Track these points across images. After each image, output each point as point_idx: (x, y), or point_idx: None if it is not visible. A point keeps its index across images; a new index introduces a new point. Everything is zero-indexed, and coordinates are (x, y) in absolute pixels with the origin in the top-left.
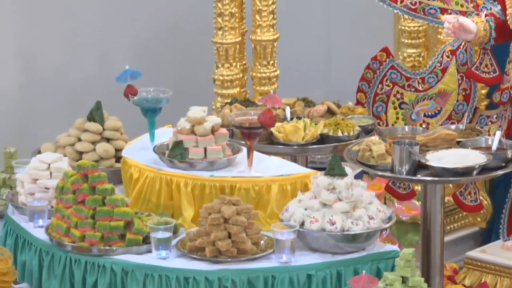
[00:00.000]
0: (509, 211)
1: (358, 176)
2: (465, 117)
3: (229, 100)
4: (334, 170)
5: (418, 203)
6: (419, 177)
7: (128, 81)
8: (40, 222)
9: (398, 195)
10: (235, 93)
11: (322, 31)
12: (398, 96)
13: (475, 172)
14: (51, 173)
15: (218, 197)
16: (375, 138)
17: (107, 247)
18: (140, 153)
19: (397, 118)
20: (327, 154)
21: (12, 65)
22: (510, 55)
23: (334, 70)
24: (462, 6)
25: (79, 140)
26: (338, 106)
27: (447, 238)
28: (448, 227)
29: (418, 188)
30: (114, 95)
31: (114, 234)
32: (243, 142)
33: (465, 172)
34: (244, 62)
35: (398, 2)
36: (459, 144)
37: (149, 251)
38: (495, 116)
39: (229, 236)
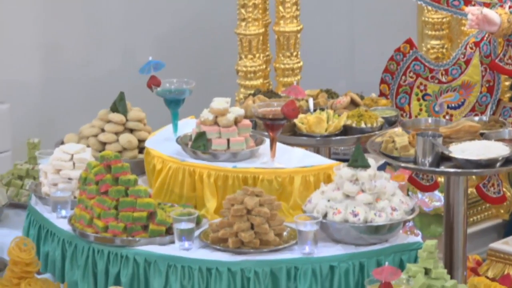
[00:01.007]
0: None
1: (381, 168)
2: (488, 109)
3: (252, 91)
4: (357, 161)
5: (441, 195)
6: (442, 168)
7: (151, 72)
8: (63, 212)
9: (421, 186)
10: (258, 84)
11: (346, 22)
12: (422, 87)
13: (498, 164)
14: (74, 164)
15: (241, 188)
16: (398, 129)
17: (130, 238)
18: (163, 144)
19: (421, 110)
20: (350, 146)
21: (36, 58)
22: None
23: (358, 62)
24: None
25: (102, 131)
26: (362, 97)
27: (470, 230)
28: (471, 219)
29: (441, 179)
30: (138, 86)
31: (137, 225)
32: (266, 133)
33: (489, 164)
34: (267, 53)
35: None
36: (483, 136)
37: (172, 242)
38: None
39: (252, 227)
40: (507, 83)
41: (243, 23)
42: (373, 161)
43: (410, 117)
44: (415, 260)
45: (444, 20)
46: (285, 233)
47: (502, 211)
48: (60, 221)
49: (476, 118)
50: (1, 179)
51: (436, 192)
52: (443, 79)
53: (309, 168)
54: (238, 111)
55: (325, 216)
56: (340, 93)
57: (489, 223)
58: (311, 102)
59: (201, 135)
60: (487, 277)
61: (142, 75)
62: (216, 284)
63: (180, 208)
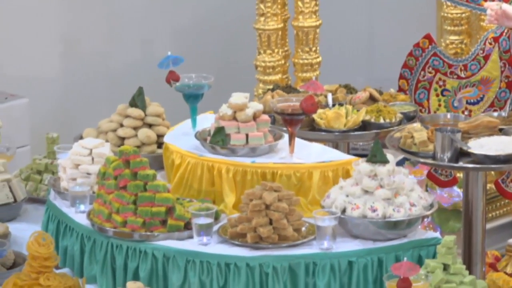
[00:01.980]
0: None
1: (399, 163)
2: (507, 104)
3: (271, 87)
4: (376, 157)
5: (460, 190)
6: (461, 164)
7: (170, 67)
8: (82, 207)
9: (440, 182)
10: (277, 80)
11: (365, 17)
12: (441, 83)
13: None
14: (93, 159)
15: (260, 184)
16: (417, 125)
17: (148, 233)
18: (181, 139)
19: (439, 105)
20: (368, 141)
21: (55, 51)
22: None
23: (376, 57)
24: None
25: (121, 125)
26: (380, 93)
27: (489, 226)
28: (490, 215)
29: (460, 175)
30: (156, 81)
31: (155, 220)
32: (284, 128)
33: (507, 159)
34: (286, 48)
35: None
36: (501, 132)
37: (191, 237)
38: None
39: (271, 222)
40: None
41: (262, 18)
42: (391, 156)
43: (429, 112)
44: (434, 256)
45: (463, 15)
46: (303, 228)
47: None
48: (78, 215)
49: (495, 114)
50: (20, 173)
51: (455, 188)
52: (462, 75)
53: (327, 163)
54: (256, 106)
55: (343, 211)
56: (358, 88)
57: (508, 218)
58: (329, 97)
59: (219, 130)
60: (506, 273)
61: (161, 69)
62: (234, 279)
63: (198, 203)
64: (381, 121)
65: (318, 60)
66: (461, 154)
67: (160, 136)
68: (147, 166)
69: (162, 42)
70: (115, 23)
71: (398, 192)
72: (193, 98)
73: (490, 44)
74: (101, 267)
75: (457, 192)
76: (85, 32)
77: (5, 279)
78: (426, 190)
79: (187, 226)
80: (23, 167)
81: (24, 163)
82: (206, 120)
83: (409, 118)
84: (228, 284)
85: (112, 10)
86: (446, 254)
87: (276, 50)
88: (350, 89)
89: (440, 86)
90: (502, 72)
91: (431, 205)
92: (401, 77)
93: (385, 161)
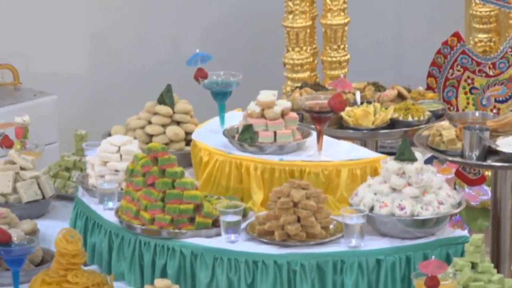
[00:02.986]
0: None
1: (428, 161)
2: None
3: (299, 84)
4: (404, 155)
5: (488, 189)
6: (489, 162)
7: (198, 65)
8: (110, 204)
9: (468, 180)
10: (305, 77)
11: (393, 15)
12: (469, 81)
13: None
14: (121, 156)
15: (288, 181)
16: (445, 123)
17: (176, 230)
18: (210, 136)
19: (468, 103)
20: (397, 139)
21: (84, 48)
22: None
23: (405, 55)
24: None
25: (149, 123)
26: (409, 90)
27: None
28: None
29: (488, 173)
30: (185, 78)
31: (183, 217)
32: (313, 126)
33: None
34: (314, 46)
35: None
36: None
37: (218, 234)
38: None
39: (298, 220)
40: None
41: (290, 16)
42: (420, 154)
43: (457, 110)
44: (462, 254)
45: (492, 13)
46: (331, 226)
47: None
48: (106, 213)
49: None
50: (48, 170)
51: (483, 186)
52: (491, 73)
53: (355, 161)
54: (285, 103)
55: (371, 209)
56: (387, 86)
57: None
58: (358, 95)
59: (248, 128)
60: None
61: (189, 67)
62: (262, 277)
63: (226, 201)
64: (410, 119)
65: (346, 57)
66: (490, 152)
67: (188, 133)
68: (175, 164)
69: (190, 40)
70: (144, 20)
71: (426, 190)
72: (221, 96)
73: None
74: (129, 264)
75: (485, 190)
76: (114, 30)
77: (33, 276)
78: (455, 188)
79: (215, 223)
80: (52, 164)
81: (52, 160)
82: (234, 118)
83: (437, 116)
84: (255, 281)
85: (141, 7)
86: (474, 253)
87: (304, 48)
88: (378, 87)
89: (468, 84)
90: None
91: (459, 203)
92: (430, 75)
93: (413, 159)
